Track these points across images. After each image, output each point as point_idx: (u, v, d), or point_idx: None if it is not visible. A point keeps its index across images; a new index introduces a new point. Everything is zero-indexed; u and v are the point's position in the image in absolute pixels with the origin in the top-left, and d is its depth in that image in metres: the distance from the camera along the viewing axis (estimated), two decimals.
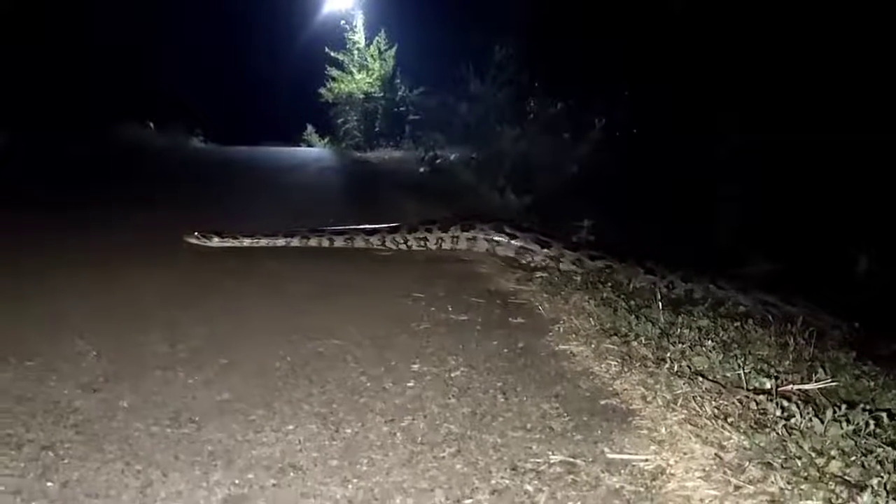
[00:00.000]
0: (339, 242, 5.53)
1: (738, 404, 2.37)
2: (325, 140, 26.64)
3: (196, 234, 5.26)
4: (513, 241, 5.40)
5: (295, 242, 5.46)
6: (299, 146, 26.67)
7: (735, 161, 10.25)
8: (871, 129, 9.23)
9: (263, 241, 5.41)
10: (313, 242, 5.49)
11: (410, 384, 2.60)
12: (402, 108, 23.18)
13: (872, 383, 3.04)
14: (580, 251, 5.28)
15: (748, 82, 10.88)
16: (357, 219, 6.02)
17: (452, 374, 2.72)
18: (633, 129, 11.77)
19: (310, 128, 27.59)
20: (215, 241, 5.26)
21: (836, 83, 9.99)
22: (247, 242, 5.36)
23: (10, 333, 3.02)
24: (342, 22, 24.09)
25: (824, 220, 8.38)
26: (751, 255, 7.07)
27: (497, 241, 5.46)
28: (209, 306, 3.66)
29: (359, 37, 23.99)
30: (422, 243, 5.55)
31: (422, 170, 13.16)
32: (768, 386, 2.50)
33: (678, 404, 2.38)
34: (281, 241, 5.44)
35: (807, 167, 9.71)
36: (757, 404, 2.34)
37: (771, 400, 2.32)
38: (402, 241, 5.54)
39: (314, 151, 23.87)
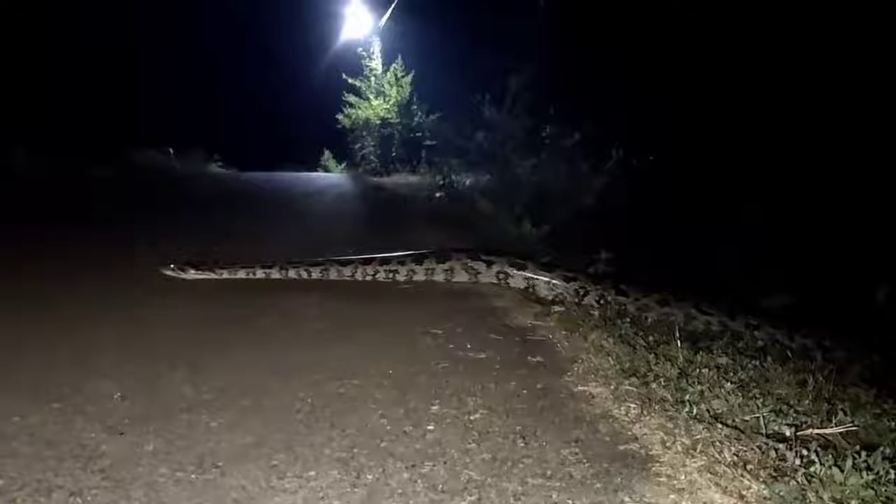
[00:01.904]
0: (315, 274, 5.51)
1: (757, 450, 2.37)
2: (342, 165, 26.89)
3: (172, 266, 5.30)
4: (492, 267, 5.50)
5: (276, 274, 5.43)
6: (316, 171, 26.92)
7: (750, 187, 10.24)
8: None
9: (241, 274, 5.39)
10: (292, 274, 5.46)
11: (430, 427, 2.63)
12: (418, 134, 23.33)
13: (893, 423, 3.02)
14: (555, 272, 5.40)
15: (767, 106, 10.90)
16: (373, 248, 6.04)
17: (472, 417, 2.73)
18: (650, 157, 11.80)
19: (327, 153, 27.87)
20: (191, 274, 5.29)
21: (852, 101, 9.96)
22: (224, 275, 5.35)
23: (35, 375, 3.07)
24: (360, 49, 24.37)
25: (841, 249, 8.32)
26: (766, 286, 7.03)
27: (475, 269, 5.53)
28: (229, 345, 3.70)
29: (376, 63, 24.25)
30: (390, 275, 5.57)
31: (438, 195, 13.21)
32: (788, 434, 2.50)
33: (697, 450, 2.39)
34: (261, 274, 5.41)
35: (823, 191, 9.68)
36: (776, 451, 2.34)
37: (790, 448, 2.33)
38: (372, 273, 5.56)
39: (331, 177, 24.08)
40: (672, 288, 5.41)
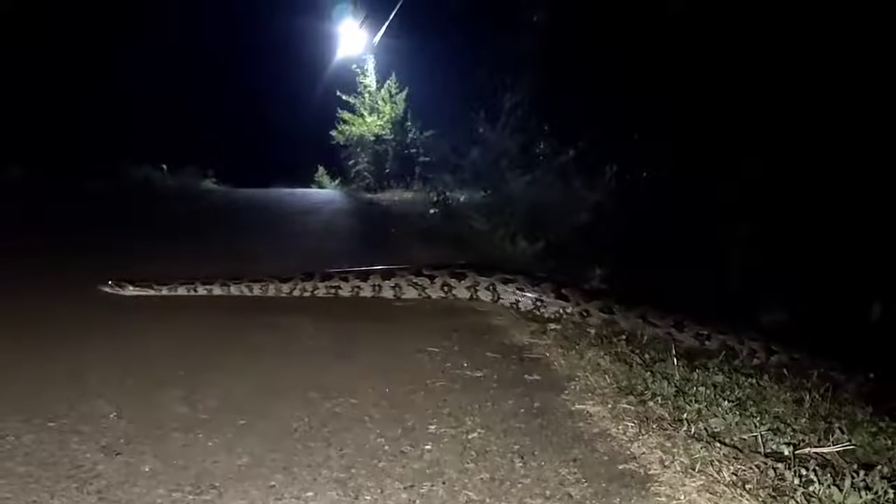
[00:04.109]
0: (256, 290, 5.51)
1: (756, 470, 2.37)
2: (336, 181, 26.93)
3: (110, 282, 5.27)
4: (434, 280, 5.55)
5: (217, 290, 5.42)
6: (310, 188, 26.93)
7: (747, 203, 10.28)
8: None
9: (181, 290, 5.36)
10: (234, 291, 5.45)
11: (428, 447, 2.61)
12: (412, 150, 23.47)
13: (890, 441, 3.03)
14: (494, 276, 5.52)
15: (762, 121, 10.94)
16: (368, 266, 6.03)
17: (469, 436, 2.72)
18: (644, 173, 11.84)
19: (321, 169, 27.91)
20: (129, 290, 5.26)
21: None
22: (164, 291, 5.33)
23: (32, 394, 3.05)
24: (354, 66, 24.49)
25: (837, 265, 8.34)
26: (761, 302, 7.05)
27: (418, 283, 5.57)
28: (225, 363, 3.69)
29: (370, 80, 24.39)
30: (332, 291, 5.57)
31: (432, 211, 13.24)
32: (786, 452, 2.50)
33: (696, 470, 2.38)
34: (202, 290, 5.40)
35: (820, 208, 9.72)
36: (775, 471, 2.34)
37: (789, 467, 2.32)
38: (311, 290, 5.57)
39: (326, 193, 24.07)
40: (671, 303, 5.43)
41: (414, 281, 5.56)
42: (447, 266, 5.79)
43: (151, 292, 5.31)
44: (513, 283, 5.46)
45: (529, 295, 5.37)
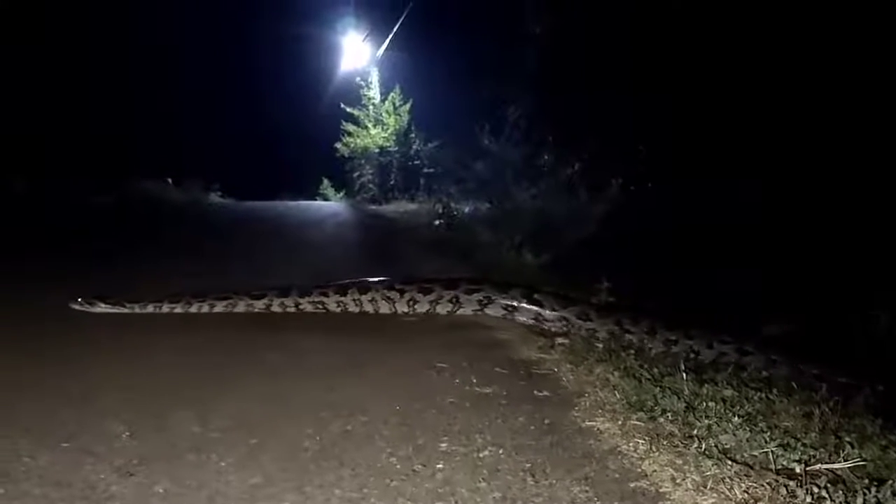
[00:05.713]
0: (219, 308, 5.50)
1: (767, 487, 2.37)
2: (341, 193, 26.98)
3: (80, 300, 5.25)
4: (404, 294, 5.59)
5: (179, 309, 5.40)
6: (315, 200, 26.98)
7: (750, 210, 10.29)
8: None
9: (150, 308, 5.36)
10: (194, 309, 5.44)
11: (440, 465, 2.62)
12: (416, 162, 23.50)
13: None
14: (459, 288, 5.59)
15: (763, 124, 10.96)
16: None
17: (481, 454, 2.73)
18: (649, 183, 11.87)
19: (325, 182, 27.98)
20: (100, 308, 5.25)
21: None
22: (136, 309, 5.32)
23: (44, 414, 3.07)
24: (358, 79, 24.57)
25: (842, 272, 8.32)
26: (769, 313, 7.03)
27: (390, 298, 5.60)
28: (235, 381, 3.71)
29: (374, 93, 24.46)
30: (319, 307, 5.60)
31: (437, 223, 13.24)
32: (797, 470, 2.50)
33: (708, 487, 2.39)
34: (166, 308, 5.38)
35: (828, 213, 9.71)
36: (787, 488, 2.34)
37: (800, 485, 2.33)
38: (292, 305, 5.58)
39: (330, 205, 24.09)
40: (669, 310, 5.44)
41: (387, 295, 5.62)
42: (416, 280, 5.86)
43: (123, 310, 5.30)
44: (478, 291, 5.54)
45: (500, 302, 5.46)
